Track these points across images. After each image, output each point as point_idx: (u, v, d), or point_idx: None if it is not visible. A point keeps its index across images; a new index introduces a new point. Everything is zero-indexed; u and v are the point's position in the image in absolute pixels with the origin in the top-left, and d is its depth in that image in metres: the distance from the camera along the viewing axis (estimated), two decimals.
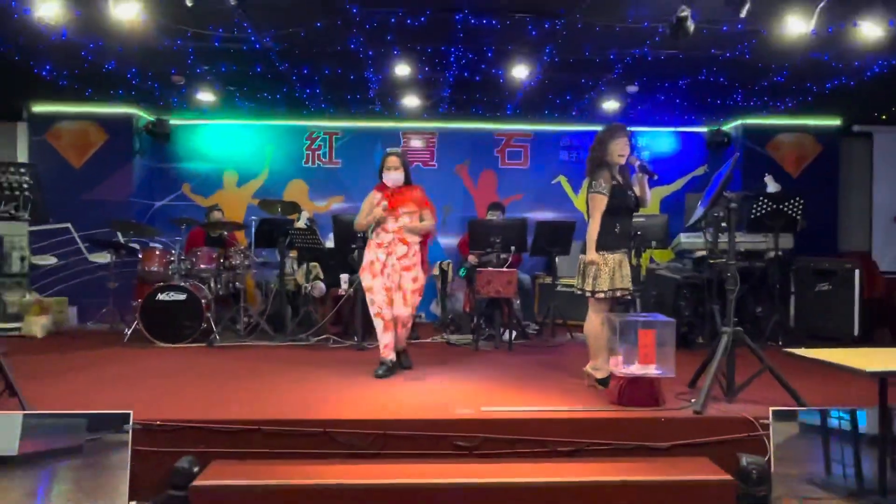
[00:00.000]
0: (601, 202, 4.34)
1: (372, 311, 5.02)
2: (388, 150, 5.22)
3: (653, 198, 4.75)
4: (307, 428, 3.63)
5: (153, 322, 6.39)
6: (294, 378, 4.86)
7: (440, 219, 8.83)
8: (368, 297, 5.01)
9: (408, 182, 5.06)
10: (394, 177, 4.99)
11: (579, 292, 4.48)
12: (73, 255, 8.23)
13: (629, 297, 4.53)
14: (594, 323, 4.44)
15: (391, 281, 4.95)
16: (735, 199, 4.21)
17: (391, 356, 5.00)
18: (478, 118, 8.91)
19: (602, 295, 4.34)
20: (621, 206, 4.39)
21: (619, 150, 4.37)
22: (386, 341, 4.99)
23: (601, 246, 4.36)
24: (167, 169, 9.03)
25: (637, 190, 4.50)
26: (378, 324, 5.01)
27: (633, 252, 5.75)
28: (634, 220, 4.97)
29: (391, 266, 4.95)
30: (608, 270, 4.34)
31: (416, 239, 5.05)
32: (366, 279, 5.02)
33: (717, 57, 6.35)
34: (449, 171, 9.12)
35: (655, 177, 4.48)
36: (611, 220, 4.36)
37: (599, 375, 4.48)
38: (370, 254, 5.04)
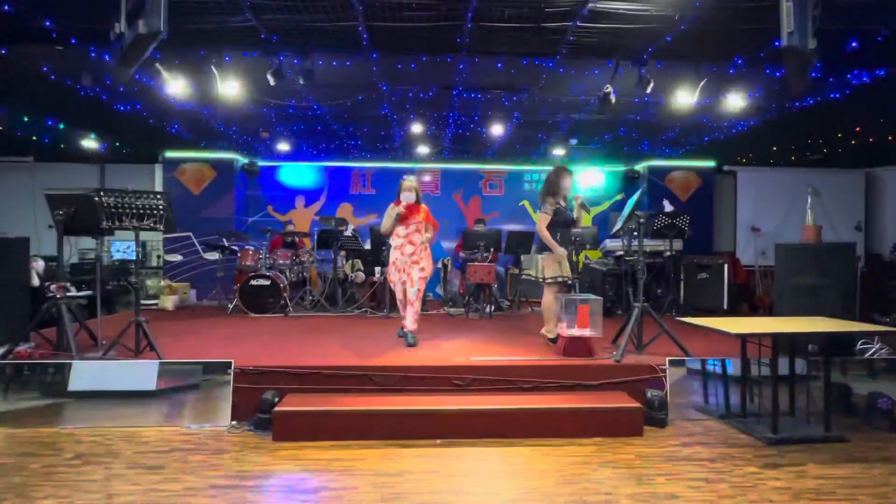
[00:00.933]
0: (544, 220, 4.39)
1: (397, 295, 4.94)
2: (405, 175, 4.94)
3: (585, 217, 4.76)
4: (352, 372, 3.65)
5: (248, 299, 6.38)
6: (343, 338, 4.86)
7: (442, 228, 8.81)
8: (392, 286, 4.88)
9: (418, 202, 4.87)
10: (407, 196, 4.75)
11: (533, 279, 4.52)
12: (193, 254, 8.21)
13: (570, 283, 4.54)
14: (547, 300, 4.46)
15: (405, 274, 4.76)
16: (643, 216, 4.23)
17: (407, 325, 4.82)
18: (468, 160, 8.88)
19: (550, 280, 4.39)
20: (562, 221, 4.45)
21: (567, 185, 4.43)
22: (404, 314, 4.87)
23: (545, 248, 4.40)
24: (257, 196, 8.99)
25: (575, 213, 4.52)
26: (399, 302, 4.92)
27: (572, 252, 5.77)
28: (575, 231, 5.04)
29: (403, 262, 4.76)
30: (559, 265, 4.40)
31: (420, 239, 4.81)
32: (391, 275, 4.89)
33: (631, 119, 6.34)
34: (448, 197, 9.10)
35: (590, 211, 4.56)
36: (554, 230, 4.43)
37: (550, 336, 4.51)
38: (392, 255, 4.89)
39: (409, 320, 4.63)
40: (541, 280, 4.42)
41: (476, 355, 4.05)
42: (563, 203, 4.47)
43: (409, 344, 4.57)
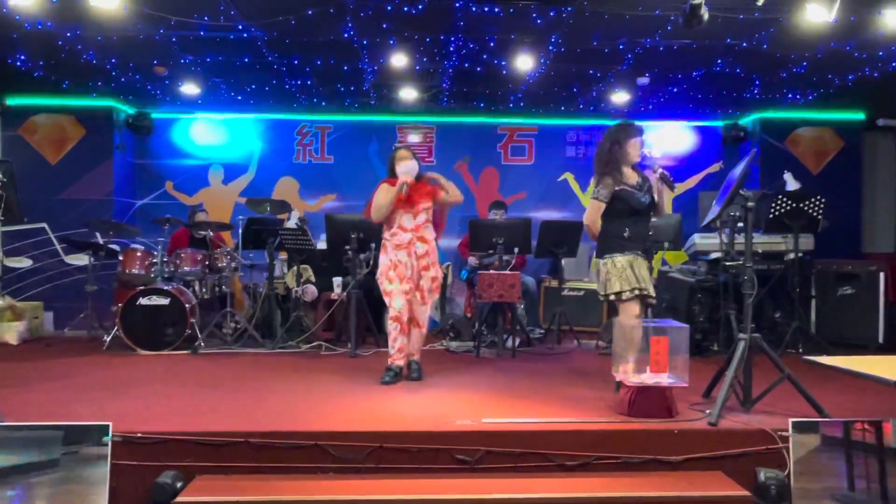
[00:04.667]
0: (595, 209, 4.53)
1: (389, 316, 5.09)
2: (396, 145, 5.30)
3: (668, 195, 4.82)
4: (298, 440, 3.62)
5: (134, 328, 6.38)
6: (284, 387, 4.85)
7: None
8: (387, 300, 5.07)
9: (421, 175, 5.11)
10: (409, 167, 5.00)
11: (601, 297, 4.61)
12: (48, 256, 8.21)
13: (653, 298, 4.56)
14: (624, 324, 4.43)
15: (411, 283, 5.01)
16: (752, 197, 4.21)
17: (400, 362, 5.05)
18: (479, 112, 8.92)
19: (628, 296, 4.41)
20: (631, 208, 4.50)
21: (636, 151, 4.53)
22: (399, 345, 5.03)
23: (608, 249, 4.52)
24: (149, 165, 9.03)
25: (655, 194, 4.57)
26: (393, 328, 5.04)
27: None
28: (654, 221, 5.08)
29: (411, 268, 5.00)
30: (617, 273, 4.44)
31: (433, 235, 5.12)
32: (384, 284, 5.05)
33: (734, 47, 6.35)
34: (448, 167, 9.09)
35: (674, 189, 4.61)
36: (619, 223, 4.50)
37: (630, 379, 4.40)
38: (388, 256, 5.06)
39: (416, 345, 5.11)
40: (610, 298, 4.50)
41: (491, 415, 4.03)
42: (635, 179, 4.55)
43: (414, 378, 4.99)
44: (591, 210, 4.56)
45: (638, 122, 4.71)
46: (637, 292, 4.42)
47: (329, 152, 9.13)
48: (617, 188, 4.49)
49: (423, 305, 5.09)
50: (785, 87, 7.62)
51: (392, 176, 5.09)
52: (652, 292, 4.54)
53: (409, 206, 5.03)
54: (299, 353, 6.41)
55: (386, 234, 5.10)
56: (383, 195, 5.01)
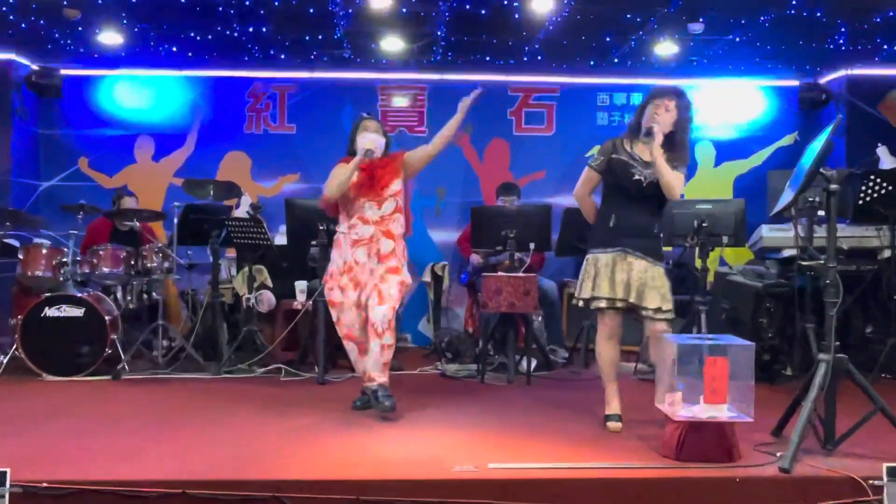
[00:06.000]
0: (584, 180, 4.89)
1: (340, 332, 5.08)
2: (362, 114, 5.28)
3: (725, 176, 4.78)
4: (250, 492, 3.62)
5: (38, 347, 6.35)
6: (233, 423, 4.84)
7: (430, 205, 8.86)
8: (333, 314, 5.04)
9: (387, 154, 5.13)
10: (373, 138, 5.00)
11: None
12: None
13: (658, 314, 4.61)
14: (657, 341, 4.56)
15: (368, 292, 4.94)
16: (836, 178, 4.20)
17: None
18: (484, 67, 8.90)
19: (580, 304, 4.79)
20: (620, 187, 4.68)
21: (652, 114, 4.64)
22: (360, 369, 5.08)
23: (592, 242, 4.80)
24: (57, 137, 9.01)
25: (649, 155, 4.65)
26: (350, 349, 5.07)
27: (692, 250, 5.78)
28: (700, 207, 5.07)
29: (370, 271, 4.96)
30: (590, 274, 4.69)
31: (400, 229, 5.09)
32: (333, 292, 5.03)
33: None
34: None
35: (646, 141, 4.64)
36: (608, 207, 4.73)
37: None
38: (340, 254, 5.05)
39: (375, 364, 4.86)
40: (579, 304, 4.82)
41: (498, 459, 4.04)
42: (637, 151, 4.71)
43: (383, 409, 4.81)
44: (580, 180, 4.84)
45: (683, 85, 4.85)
46: (605, 304, 4.60)
47: (290, 120, 9.13)
48: (613, 155, 4.66)
49: (378, 306, 4.88)
50: (879, 35, 7.62)
51: (351, 154, 5.09)
52: (648, 303, 4.59)
53: (374, 190, 4.99)
54: (252, 379, 6.39)
55: (341, 227, 5.11)
56: (339, 174, 4.99)
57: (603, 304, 4.63)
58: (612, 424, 4.68)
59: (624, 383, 6.41)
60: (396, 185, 5.05)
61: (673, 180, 4.57)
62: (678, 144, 4.68)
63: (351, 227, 5.03)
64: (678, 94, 4.68)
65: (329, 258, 5.29)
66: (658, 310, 4.59)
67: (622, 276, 4.60)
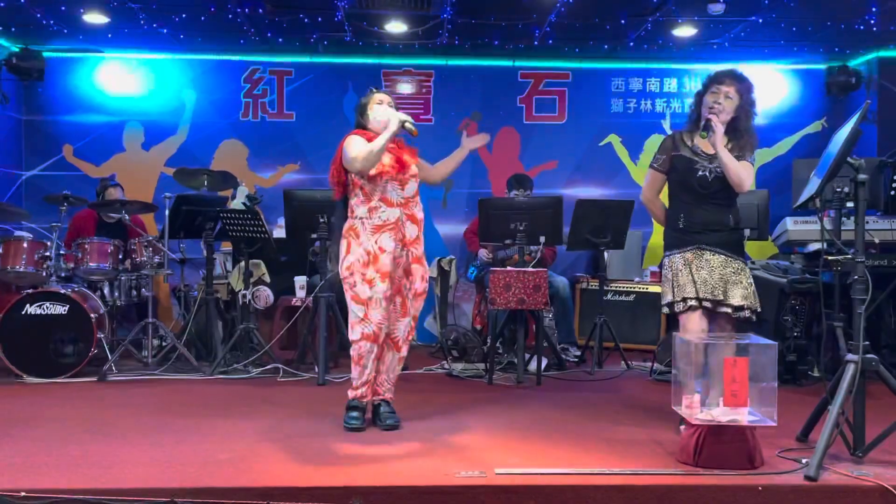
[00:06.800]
0: (650, 182, 4.87)
1: (358, 330, 4.71)
2: (372, 88, 5.05)
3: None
4: (244, 500, 3.62)
5: (19, 346, 6.37)
6: (226, 427, 4.84)
7: (437, 196, 8.86)
8: (357, 311, 4.69)
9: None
10: (388, 113, 4.75)
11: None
12: None
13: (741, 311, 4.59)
14: (678, 342, 4.53)
15: (396, 284, 4.78)
16: (864, 167, 4.19)
17: (370, 396, 4.84)
18: (492, 52, 8.92)
19: (665, 310, 4.72)
20: (685, 184, 4.67)
21: (709, 102, 4.61)
22: (366, 377, 4.76)
23: (665, 244, 4.78)
24: (40, 123, 9.03)
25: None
26: (367, 349, 4.71)
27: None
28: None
29: (397, 258, 4.74)
30: (668, 277, 4.68)
31: (422, 215, 4.91)
32: (358, 287, 4.68)
33: None
34: (451, 127, 9.08)
35: (704, 135, 4.60)
36: (676, 206, 4.72)
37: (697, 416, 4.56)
38: (361, 245, 4.70)
39: (388, 379, 4.89)
40: (664, 311, 4.77)
41: (506, 464, 4.05)
42: (700, 146, 4.67)
43: (386, 426, 4.74)
44: (645, 183, 4.82)
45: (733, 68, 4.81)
46: (692, 303, 4.53)
47: (289, 107, 9.12)
48: (675, 153, 4.64)
49: (403, 318, 4.82)
50: None
51: (361, 127, 4.87)
52: (732, 300, 4.56)
53: (398, 169, 4.75)
54: (248, 380, 6.40)
55: (358, 212, 4.77)
56: (363, 144, 4.67)
57: (692, 302, 4.54)
58: None
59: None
60: (415, 168, 4.87)
61: (741, 171, 4.53)
62: (743, 132, 4.65)
63: (372, 211, 4.74)
64: (738, 78, 4.65)
65: (328, 252, 5.23)
66: (741, 307, 4.57)
67: (703, 275, 4.55)
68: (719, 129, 4.50)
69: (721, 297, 4.53)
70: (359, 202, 4.78)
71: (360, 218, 4.75)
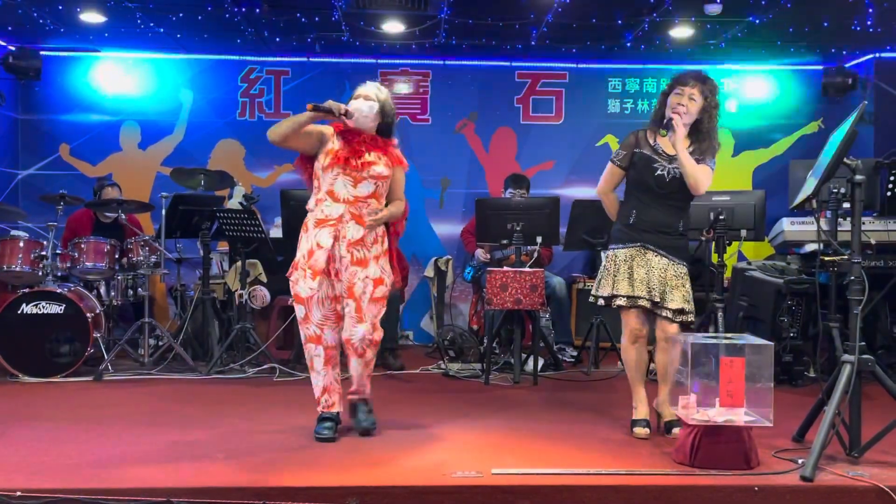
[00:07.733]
0: (607, 176, 4.90)
1: (303, 333, 4.61)
2: (367, 83, 4.72)
3: (744, 166, 4.77)
4: (240, 500, 3.61)
5: (15, 346, 6.36)
6: (222, 426, 4.83)
7: (437, 195, 8.84)
8: (299, 311, 4.57)
9: (386, 134, 4.68)
10: (367, 105, 4.49)
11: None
12: None
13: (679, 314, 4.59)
14: (675, 341, 4.53)
15: (339, 286, 4.54)
16: (861, 168, 4.19)
17: (337, 407, 4.64)
18: (490, 51, 8.90)
19: (600, 302, 4.79)
20: (642, 182, 4.68)
21: (673, 104, 4.62)
22: (325, 383, 4.60)
23: (612, 238, 4.87)
24: (36, 123, 9.02)
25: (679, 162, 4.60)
26: (314, 353, 4.59)
27: (708, 245, 5.77)
28: (717, 198, 5.05)
29: (337, 260, 4.50)
30: (609, 271, 4.73)
31: (377, 214, 4.60)
32: (298, 285, 4.54)
33: None
34: (448, 127, 9.11)
35: (665, 134, 4.66)
36: (629, 203, 4.73)
37: (666, 416, 4.67)
38: (308, 239, 4.55)
39: (361, 377, 4.63)
40: (599, 303, 4.84)
41: (503, 464, 4.04)
42: (661, 145, 4.70)
43: (361, 428, 4.61)
44: (603, 176, 4.87)
45: (704, 71, 4.82)
46: (621, 301, 4.61)
47: (286, 106, 9.11)
48: (636, 150, 4.68)
49: (359, 325, 4.47)
50: None
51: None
52: (671, 303, 4.56)
53: (351, 162, 4.48)
54: (245, 380, 6.40)
55: (309, 204, 4.62)
56: (291, 121, 4.54)
57: (623, 301, 4.62)
58: (638, 430, 4.63)
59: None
60: (381, 168, 4.55)
61: (698, 174, 4.53)
62: (705, 134, 4.65)
63: (318, 203, 4.57)
64: (702, 80, 4.65)
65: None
66: (680, 311, 4.58)
67: (641, 273, 4.60)
68: (680, 129, 4.53)
69: (658, 300, 4.55)
70: (313, 194, 4.63)
71: (310, 210, 4.60)
